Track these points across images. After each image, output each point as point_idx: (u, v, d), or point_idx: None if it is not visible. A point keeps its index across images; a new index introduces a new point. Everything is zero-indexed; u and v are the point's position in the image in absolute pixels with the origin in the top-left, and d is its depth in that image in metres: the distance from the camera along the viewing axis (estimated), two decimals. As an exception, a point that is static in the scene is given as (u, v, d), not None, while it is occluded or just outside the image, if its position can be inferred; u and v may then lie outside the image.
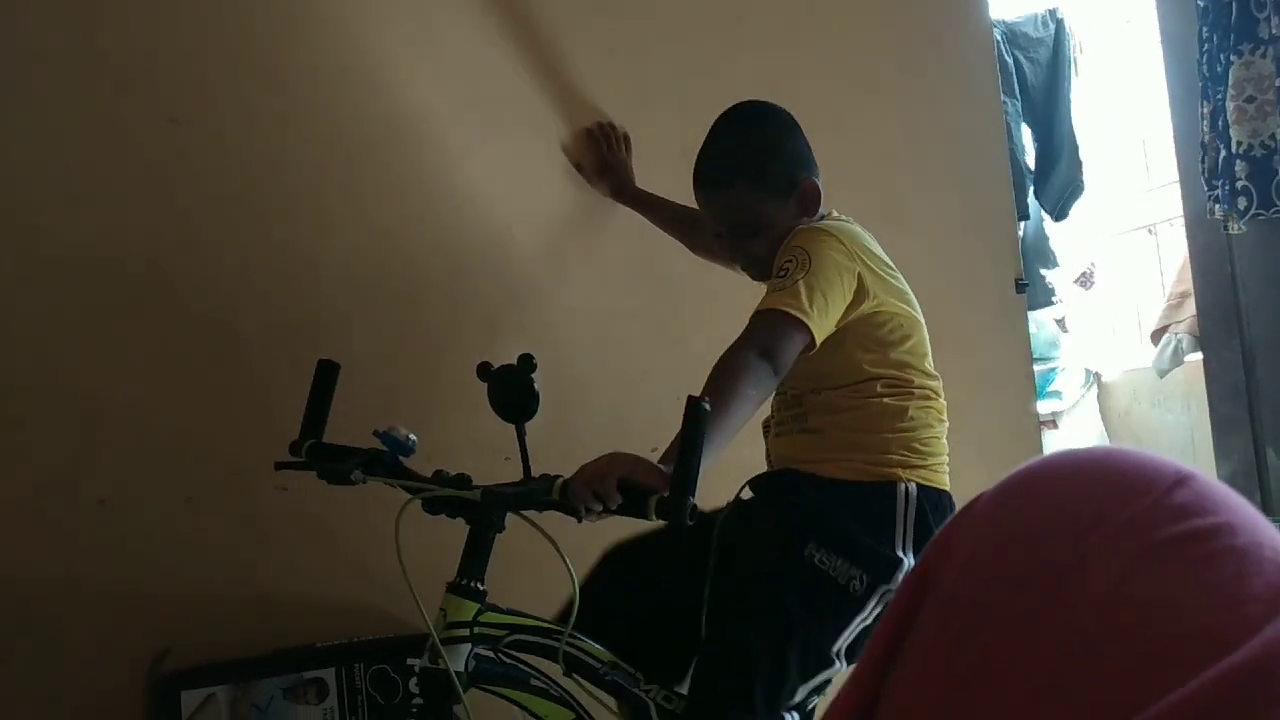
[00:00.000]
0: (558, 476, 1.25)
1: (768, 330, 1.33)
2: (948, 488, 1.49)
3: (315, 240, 1.88)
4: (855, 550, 1.40)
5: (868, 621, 1.40)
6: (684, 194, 2.01)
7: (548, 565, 1.29)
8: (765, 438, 1.62)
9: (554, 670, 1.40)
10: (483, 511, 1.30)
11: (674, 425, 1.94)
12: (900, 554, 1.41)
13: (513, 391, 1.28)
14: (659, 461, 1.23)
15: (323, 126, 1.90)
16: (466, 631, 1.31)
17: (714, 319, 2.09)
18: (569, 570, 1.27)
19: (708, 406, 1.16)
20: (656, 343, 2.09)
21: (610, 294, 2.10)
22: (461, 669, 1.30)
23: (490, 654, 1.35)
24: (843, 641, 1.39)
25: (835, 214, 1.58)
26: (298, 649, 1.75)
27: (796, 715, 1.38)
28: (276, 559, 1.81)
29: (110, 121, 1.76)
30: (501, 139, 2.04)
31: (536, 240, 2.07)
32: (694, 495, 1.14)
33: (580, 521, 1.22)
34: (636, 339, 2.09)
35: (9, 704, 1.65)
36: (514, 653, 1.38)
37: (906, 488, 1.43)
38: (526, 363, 1.27)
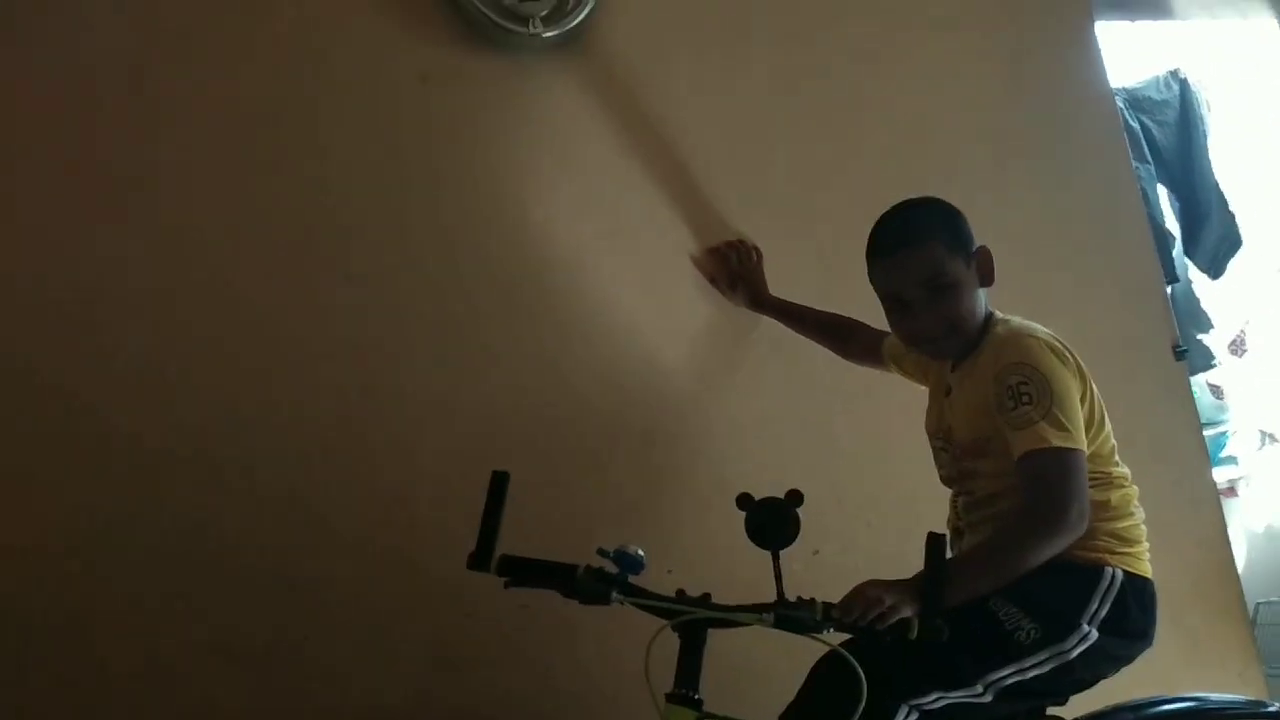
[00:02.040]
0: (811, 599, 1.34)
1: (1059, 477, 1.40)
2: (1151, 576, 1.50)
3: (481, 370, 1.97)
4: (1036, 607, 1.43)
5: (1026, 675, 1.42)
6: (821, 301, 2.05)
7: (770, 670, 1.34)
8: (954, 542, 1.62)
9: None
10: (697, 627, 1.38)
11: (827, 529, 1.98)
12: (1084, 622, 1.42)
13: (776, 522, 1.35)
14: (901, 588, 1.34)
15: (479, 262, 2.00)
16: None
17: (867, 422, 2.11)
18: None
19: (943, 537, 1.29)
20: (810, 448, 2.11)
21: (762, 400, 2.13)
22: None
23: None
24: (993, 676, 1.41)
25: (997, 313, 1.61)
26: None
27: (915, 714, 1.40)
28: (451, 677, 1.85)
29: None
30: (645, 262, 2.12)
31: (686, 355, 2.12)
32: (943, 617, 1.29)
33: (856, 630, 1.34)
34: (789, 444, 2.10)
35: None
36: None
37: (1114, 572, 1.46)
38: (795, 499, 1.35)
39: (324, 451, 1.88)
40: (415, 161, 1.99)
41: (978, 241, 1.61)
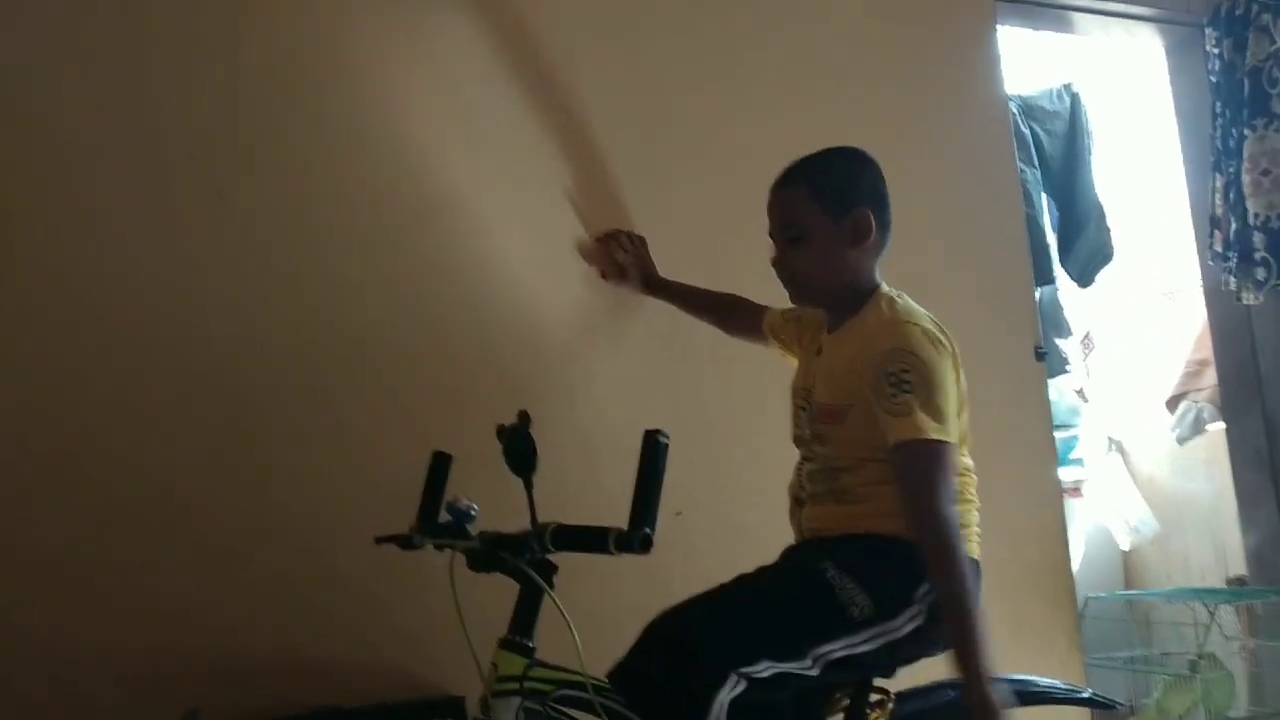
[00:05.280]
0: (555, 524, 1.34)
1: (930, 469, 1.41)
2: (979, 557, 1.54)
3: (351, 308, 1.94)
4: (870, 582, 1.44)
5: (856, 650, 1.43)
6: (709, 267, 2.06)
7: (605, 622, 1.34)
8: (794, 510, 1.63)
9: None
10: (529, 569, 1.38)
11: (691, 491, 2.00)
12: (915, 601, 1.45)
13: (518, 447, 1.36)
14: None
15: (358, 201, 1.96)
16: (516, 685, 1.36)
17: (734, 388, 2.14)
18: (569, 625, 1.30)
19: (663, 440, 1.26)
20: (677, 409, 2.12)
21: (632, 360, 2.14)
22: None
23: (539, 708, 1.40)
24: (823, 649, 1.41)
25: (885, 287, 1.60)
26: (326, 710, 1.76)
27: (743, 683, 1.36)
28: (308, 620, 1.83)
29: (160, 195, 1.84)
30: (531, 211, 2.10)
31: (560, 307, 2.11)
32: (652, 529, 1.23)
33: None
34: (657, 404, 2.12)
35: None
36: (561, 708, 1.42)
37: None
38: (522, 418, 1.36)
39: (172, 375, 1.82)
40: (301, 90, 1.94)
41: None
